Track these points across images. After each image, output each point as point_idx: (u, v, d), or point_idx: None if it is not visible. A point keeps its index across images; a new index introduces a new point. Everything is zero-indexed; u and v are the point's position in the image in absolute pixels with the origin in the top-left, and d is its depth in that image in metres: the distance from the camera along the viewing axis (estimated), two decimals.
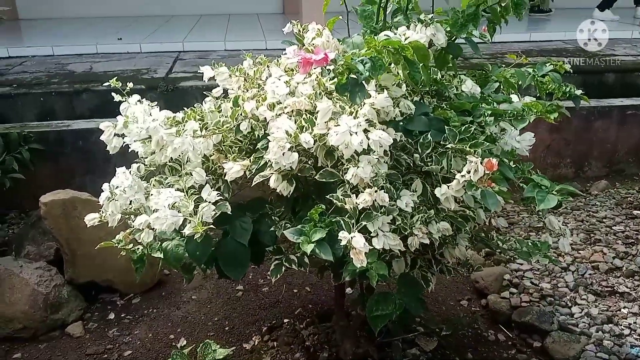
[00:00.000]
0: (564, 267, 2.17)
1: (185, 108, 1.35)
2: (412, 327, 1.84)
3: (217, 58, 3.77)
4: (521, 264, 2.18)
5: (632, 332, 1.80)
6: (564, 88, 1.46)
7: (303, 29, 1.43)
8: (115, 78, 1.34)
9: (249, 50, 1.57)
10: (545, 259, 1.40)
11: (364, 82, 1.04)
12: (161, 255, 1.22)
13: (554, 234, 1.46)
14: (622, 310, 1.91)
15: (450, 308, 2.01)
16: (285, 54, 1.39)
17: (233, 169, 1.19)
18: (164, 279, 2.19)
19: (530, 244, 1.45)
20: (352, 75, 1.05)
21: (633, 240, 2.37)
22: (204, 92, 1.48)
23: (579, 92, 1.48)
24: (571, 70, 1.48)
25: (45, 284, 1.91)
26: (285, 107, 1.17)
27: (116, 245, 1.25)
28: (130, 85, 1.36)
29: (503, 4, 1.19)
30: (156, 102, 1.34)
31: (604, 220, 2.57)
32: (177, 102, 2.98)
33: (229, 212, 1.19)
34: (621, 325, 1.83)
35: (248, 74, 1.35)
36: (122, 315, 1.99)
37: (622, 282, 2.07)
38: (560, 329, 1.79)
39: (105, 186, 1.28)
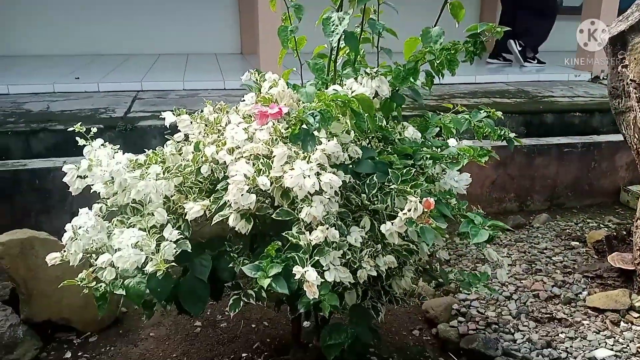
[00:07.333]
0: (507, 296, 2.31)
1: (144, 148, 1.42)
2: (366, 356, 1.92)
3: (175, 97, 3.85)
4: (468, 294, 2.31)
5: (569, 355, 1.93)
6: (498, 132, 1.61)
7: (260, 78, 1.54)
8: (73, 117, 1.40)
9: (208, 89, 1.66)
10: (484, 289, 1.52)
11: (315, 131, 1.16)
12: (123, 292, 1.27)
13: (494, 264, 1.58)
14: (560, 335, 2.05)
15: (403, 337, 2.10)
16: (244, 100, 1.49)
17: (194, 208, 1.27)
18: (121, 316, 2.19)
19: (471, 274, 1.57)
20: (304, 126, 1.16)
21: (570, 270, 2.54)
22: (163, 133, 1.56)
23: (512, 134, 1.63)
24: (502, 117, 1.63)
25: (0, 324, 1.90)
26: (244, 152, 1.26)
27: (79, 283, 1.30)
28: (94, 130, 1.43)
29: (437, 62, 1.34)
30: (116, 144, 1.42)
31: (545, 251, 2.74)
32: (135, 141, 3.03)
33: (189, 250, 1.26)
34: (559, 349, 1.96)
35: (208, 120, 1.45)
36: (79, 354, 1.99)
37: (560, 309, 2.22)
38: (504, 355, 1.90)
39: (68, 226, 1.33)
